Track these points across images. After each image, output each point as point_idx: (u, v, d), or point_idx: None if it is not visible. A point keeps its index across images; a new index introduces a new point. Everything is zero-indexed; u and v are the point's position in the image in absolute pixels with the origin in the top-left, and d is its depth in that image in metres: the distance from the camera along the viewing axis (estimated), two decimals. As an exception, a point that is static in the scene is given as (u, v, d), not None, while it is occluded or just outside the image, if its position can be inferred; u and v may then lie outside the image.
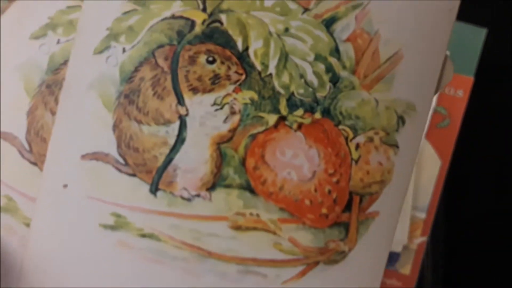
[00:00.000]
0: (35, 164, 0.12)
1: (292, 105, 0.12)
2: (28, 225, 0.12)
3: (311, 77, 0.12)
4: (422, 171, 0.33)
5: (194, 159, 0.12)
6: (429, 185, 0.33)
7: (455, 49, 0.34)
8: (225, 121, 0.12)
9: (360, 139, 0.12)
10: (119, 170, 0.12)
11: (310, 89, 0.12)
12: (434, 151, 0.33)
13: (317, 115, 0.12)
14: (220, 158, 0.12)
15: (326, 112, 0.12)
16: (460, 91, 0.34)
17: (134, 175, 0.12)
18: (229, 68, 0.12)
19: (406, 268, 0.33)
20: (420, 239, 0.33)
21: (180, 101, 0.12)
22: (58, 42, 0.12)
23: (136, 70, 0.12)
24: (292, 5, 0.12)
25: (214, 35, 0.12)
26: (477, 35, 0.34)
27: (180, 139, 0.12)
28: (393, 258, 0.33)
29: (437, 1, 0.12)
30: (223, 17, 0.12)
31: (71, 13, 0.12)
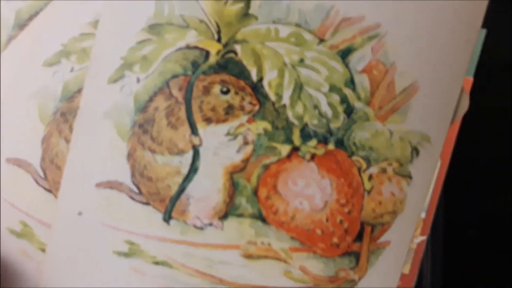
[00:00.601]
0: (49, 191, 0.12)
1: (306, 135, 0.12)
2: (43, 250, 0.12)
3: (325, 108, 0.12)
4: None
5: (207, 189, 0.12)
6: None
7: None
8: (238, 151, 0.12)
9: (373, 170, 0.12)
10: (133, 199, 0.12)
11: (324, 120, 0.12)
12: None
13: (331, 146, 0.12)
14: (233, 187, 0.12)
15: (340, 143, 0.12)
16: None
17: (147, 203, 0.12)
18: (243, 98, 0.12)
19: (406, 267, 0.32)
20: (420, 239, 0.32)
21: (194, 131, 0.12)
22: (72, 70, 0.12)
23: (151, 100, 0.12)
24: (308, 36, 0.11)
25: (229, 66, 0.12)
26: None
27: (193, 169, 0.12)
28: None
29: (455, 32, 0.12)
30: (237, 47, 0.11)
31: (85, 40, 0.12)
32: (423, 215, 0.33)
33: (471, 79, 0.33)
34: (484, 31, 0.33)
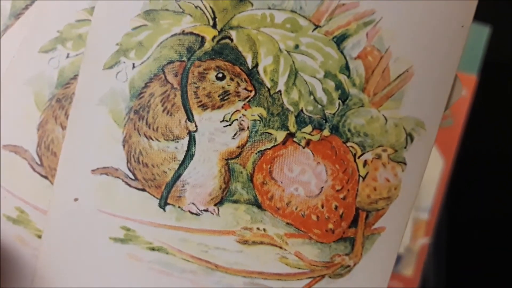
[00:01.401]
0: (46, 177, 0.12)
1: (301, 122, 0.12)
2: (39, 236, 0.12)
3: (320, 94, 0.12)
4: (425, 171, 0.33)
5: (203, 175, 0.12)
6: (432, 185, 0.33)
7: None
8: (234, 137, 0.12)
9: (368, 156, 0.12)
10: (129, 185, 0.12)
11: (319, 106, 0.12)
12: (437, 151, 0.33)
13: (326, 132, 0.12)
14: (229, 173, 0.12)
15: (335, 129, 0.12)
16: (463, 90, 0.33)
17: (143, 189, 0.12)
18: (238, 84, 0.12)
19: (409, 269, 0.32)
20: (423, 240, 0.32)
21: (190, 117, 0.12)
22: (68, 56, 0.12)
23: (146, 86, 0.12)
24: (303, 22, 0.12)
25: (224, 52, 0.12)
26: (481, 33, 0.33)
27: (189, 155, 0.12)
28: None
29: (450, 18, 0.12)
30: (233, 33, 0.11)
31: (81, 27, 0.12)
32: (426, 216, 0.32)
33: (474, 77, 0.32)
34: (487, 28, 0.32)
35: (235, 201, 0.12)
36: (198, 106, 0.12)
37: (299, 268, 0.12)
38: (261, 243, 0.12)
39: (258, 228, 0.12)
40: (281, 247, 0.12)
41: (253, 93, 0.12)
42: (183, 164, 0.12)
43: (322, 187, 0.12)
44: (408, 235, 0.32)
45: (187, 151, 0.12)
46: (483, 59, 0.33)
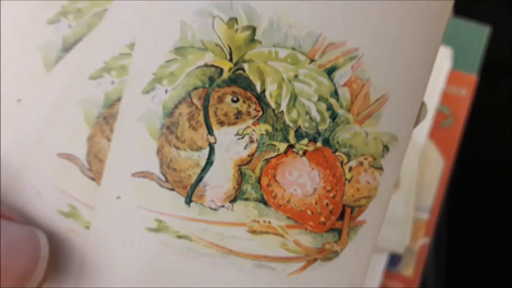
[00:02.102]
0: (93, 179, 0.15)
1: (299, 135, 0.15)
2: (88, 228, 0.15)
3: (315, 114, 0.15)
4: (425, 171, 0.33)
5: (220, 178, 0.15)
6: (432, 185, 0.33)
7: (458, 47, 0.34)
8: (245, 148, 0.15)
9: (353, 163, 0.15)
10: (161, 186, 0.15)
11: (314, 123, 0.15)
12: (438, 150, 0.33)
13: (319, 144, 0.15)
14: (241, 177, 0.15)
15: (326, 142, 0.15)
16: (463, 89, 0.33)
17: (173, 189, 0.15)
18: (249, 106, 0.14)
19: (409, 269, 0.33)
20: (423, 240, 0.33)
21: (210, 132, 0.15)
22: (113, 82, 0.14)
23: (176, 107, 0.14)
24: (301, 57, 0.14)
25: (238, 80, 0.14)
26: (481, 33, 0.33)
27: (209, 162, 0.15)
28: (395, 259, 0.33)
29: (418, 56, 0.15)
30: (245, 66, 0.14)
31: (123, 59, 0.14)
32: (426, 216, 0.33)
33: (474, 77, 0.33)
34: (487, 28, 0.33)
35: (246, 199, 0.15)
36: (217, 123, 0.14)
37: (296, 253, 0.15)
38: (267, 232, 0.15)
39: (264, 221, 0.15)
40: (282, 236, 0.15)
41: (261, 113, 0.15)
42: (205, 169, 0.15)
43: (315, 188, 0.15)
44: (408, 235, 0.32)
45: (208, 159, 0.15)
46: (483, 59, 0.33)
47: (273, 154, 0.15)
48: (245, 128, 0.14)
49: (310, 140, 0.15)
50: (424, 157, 0.33)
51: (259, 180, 0.15)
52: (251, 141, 0.15)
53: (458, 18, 0.34)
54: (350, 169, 0.15)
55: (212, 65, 0.14)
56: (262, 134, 0.15)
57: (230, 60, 0.14)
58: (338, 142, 0.15)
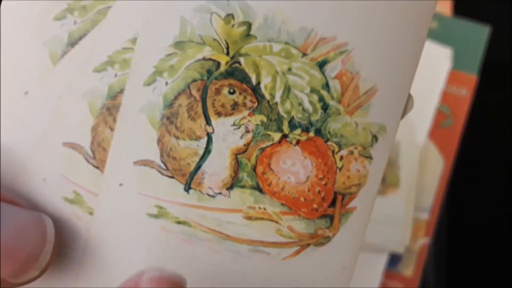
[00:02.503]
0: (97, 167, 0.15)
1: (293, 126, 0.16)
2: (91, 213, 0.15)
3: (307, 105, 0.16)
4: (425, 171, 0.33)
5: (218, 166, 0.15)
6: (432, 185, 0.33)
7: (458, 47, 0.34)
8: (241, 137, 0.16)
9: (343, 152, 0.16)
10: (162, 173, 0.15)
11: (306, 114, 0.16)
12: (437, 150, 0.33)
13: (311, 134, 0.16)
14: (237, 165, 0.16)
15: (318, 132, 0.16)
16: (463, 89, 0.33)
17: (172, 177, 0.15)
18: (245, 97, 0.15)
19: (409, 269, 0.32)
20: (423, 240, 0.32)
21: (208, 122, 0.15)
22: (116, 75, 0.15)
23: (176, 98, 0.15)
24: (294, 51, 0.15)
25: (235, 73, 0.15)
26: (481, 33, 0.33)
27: (207, 151, 0.15)
28: (395, 259, 0.32)
29: (405, 49, 0.16)
30: (241, 59, 0.15)
31: (126, 53, 0.15)
32: (426, 216, 0.33)
33: (474, 77, 0.33)
34: (487, 28, 0.32)
35: (242, 186, 0.16)
36: (215, 114, 0.15)
37: (290, 238, 0.16)
38: (262, 218, 0.16)
39: (259, 207, 0.16)
40: (277, 222, 0.16)
41: (256, 104, 0.15)
42: (203, 158, 0.15)
43: (308, 176, 0.16)
44: (408, 235, 0.31)
45: (206, 148, 0.15)
46: (483, 59, 0.32)
47: (268, 144, 0.15)
48: (241, 119, 0.15)
49: (303, 130, 0.15)
50: (424, 157, 0.33)
51: (254, 168, 0.15)
52: (247, 131, 0.15)
53: (458, 18, 0.34)
54: (341, 158, 0.16)
55: (210, 59, 0.15)
56: (257, 124, 0.15)
57: (227, 54, 0.15)
58: (329, 132, 0.16)
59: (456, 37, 0.34)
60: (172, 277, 0.12)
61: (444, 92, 0.33)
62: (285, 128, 0.15)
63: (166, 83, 0.15)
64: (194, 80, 0.15)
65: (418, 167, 0.32)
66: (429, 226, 0.32)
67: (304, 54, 0.15)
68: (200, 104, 0.15)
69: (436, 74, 0.33)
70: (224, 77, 0.15)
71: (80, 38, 0.15)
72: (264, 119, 0.15)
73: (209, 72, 0.15)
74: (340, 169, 0.16)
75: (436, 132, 0.33)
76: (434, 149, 0.33)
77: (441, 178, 0.32)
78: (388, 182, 0.32)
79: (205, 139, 0.15)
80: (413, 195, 0.32)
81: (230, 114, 0.15)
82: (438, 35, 0.34)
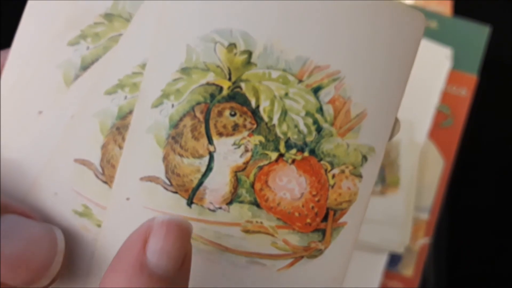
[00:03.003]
0: (106, 183, 0.16)
1: (289, 146, 0.17)
2: (99, 226, 0.16)
3: (302, 127, 0.17)
4: (425, 171, 0.32)
5: (218, 182, 0.17)
6: (432, 185, 0.32)
7: (458, 47, 0.34)
8: (241, 156, 0.17)
9: (336, 171, 0.17)
10: (166, 189, 0.16)
11: (302, 136, 0.17)
12: (438, 150, 0.33)
13: (306, 154, 0.17)
14: (237, 182, 0.17)
15: (312, 152, 0.17)
16: (464, 89, 0.33)
17: (176, 192, 0.16)
18: (245, 119, 0.16)
19: (409, 269, 0.32)
20: (423, 240, 0.32)
21: (210, 141, 0.16)
22: (126, 98, 0.16)
23: (181, 119, 0.16)
24: (291, 78, 0.16)
25: (236, 97, 0.16)
26: (481, 33, 0.33)
27: (209, 168, 0.17)
28: (395, 259, 0.32)
29: (392, 79, 0.17)
30: (242, 84, 0.16)
31: (135, 77, 0.16)
32: (426, 216, 0.32)
33: (474, 77, 0.33)
34: (488, 28, 0.32)
35: (241, 202, 0.17)
36: (217, 134, 0.16)
37: (285, 251, 0.17)
38: (259, 232, 0.17)
39: (256, 221, 0.17)
40: (273, 235, 0.17)
41: (255, 125, 0.17)
42: (205, 175, 0.16)
43: (302, 193, 0.17)
44: (408, 235, 0.31)
45: (208, 165, 0.16)
46: (483, 59, 0.32)
47: (266, 162, 0.17)
48: (241, 139, 0.16)
49: (298, 150, 0.17)
50: (424, 157, 0.33)
51: (253, 185, 0.17)
52: (246, 150, 0.16)
53: (458, 18, 0.34)
54: (333, 176, 0.17)
55: (213, 84, 0.16)
56: (256, 144, 0.17)
57: (229, 79, 0.16)
58: (322, 152, 0.17)
59: (456, 37, 0.34)
60: (180, 221, 0.14)
61: (444, 92, 0.33)
62: (282, 148, 0.17)
63: (172, 106, 0.16)
64: (198, 103, 0.16)
65: (418, 167, 0.32)
66: (429, 226, 0.32)
67: (300, 81, 0.16)
68: (203, 125, 0.16)
69: (436, 74, 0.33)
70: (226, 101, 0.16)
71: (93, 62, 0.17)
72: (263, 139, 0.16)
73: (212, 96, 0.16)
74: (332, 186, 0.17)
75: (436, 132, 0.32)
76: (434, 149, 0.33)
77: (441, 178, 0.32)
78: (388, 182, 0.32)
79: (207, 157, 0.16)
80: (413, 195, 0.32)
81: (231, 135, 0.16)
82: (438, 35, 0.34)
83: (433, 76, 0.33)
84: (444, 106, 0.33)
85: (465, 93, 0.33)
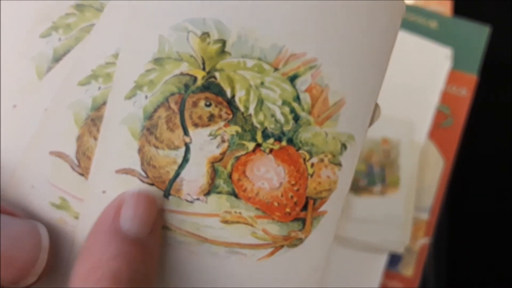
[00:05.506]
0: (82, 175, 0.16)
1: (266, 136, 0.17)
2: (77, 218, 0.16)
3: (279, 116, 0.17)
4: (425, 171, 0.33)
5: (195, 173, 0.16)
6: (432, 185, 0.33)
7: (458, 47, 0.34)
8: (217, 147, 0.17)
9: (314, 160, 0.17)
10: (142, 181, 0.16)
11: (279, 125, 0.17)
12: (438, 150, 0.33)
13: (284, 143, 0.17)
14: (214, 173, 0.17)
15: (290, 141, 0.17)
16: (464, 89, 0.33)
17: (153, 184, 0.16)
18: (221, 110, 0.16)
19: (409, 269, 0.32)
20: (423, 240, 0.32)
21: (186, 133, 0.16)
22: (99, 88, 0.16)
23: (155, 111, 0.16)
24: (266, 66, 0.16)
25: (211, 87, 0.16)
26: (481, 33, 0.33)
27: (185, 160, 0.16)
28: (395, 259, 0.32)
29: (371, 65, 0.16)
30: (217, 74, 0.16)
31: (109, 68, 0.16)
32: (426, 216, 0.33)
33: (474, 77, 0.33)
34: (487, 28, 0.32)
35: (219, 192, 0.17)
36: (192, 125, 0.16)
37: (265, 240, 0.17)
38: (238, 222, 0.17)
39: (235, 212, 0.17)
40: (252, 225, 0.17)
41: (231, 116, 0.16)
42: (181, 166, 0.16)
43: (281, 182, 0.17)
44: (408, 235, 0.31)
45: (184, 157, 0.16)
46: (483, 59, 0.32)
47: (243, 152, 0.16)
48: (217, 129, 0.16)
49: (275, 140, 0.16)
50: (424, 157, 0.33)
51: (230, 176, 0.16)
52: (223, 141, 0.16)
53: (458, 18, 0.34)
54: (312, 165, 0.17)
55: (187, 74, 0.16)
56: (232, 135, 0.16)
57: (203, 69, 0.16)
58: (300, 141, 0.17)
59: (456, 37, 0.34)
60: (148, 192, 0.16)
61: (444, 92, 0.33)
62: (259, 138, 0.16)
63: (146, 97, 0.16)
64: (172, 94, 0.16)
65: (418, 167, 0.32)
66: (429, 226, 0.32)
67: (276, 69, 0.16)
68: (178, 116, 0.16)
69: (436, 74, 0.33)
70: (201, 91, 0.16)
71: (65, 54, 0.16)
72: (239, 129, 0.16)
73: (187, 86, 0.16)
74: (311, 175, 0.17)
75: (436, 132, 0.33)
76: (434, 149, 0.33)
77: (441, 178, 0.32)
78: (388, 182, 0.32)
79: (183, 149, 0.16)
80: (413, 195, 0.32)
81: (207, 125, 0.16)
82: (438, 35, 0.34)
83: (433, 76, 0.34)
84: (444, 106, 0.33)
85: (465, 93, 0.33)
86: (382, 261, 0.33)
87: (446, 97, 0.33)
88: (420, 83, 0.33)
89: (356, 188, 0.32)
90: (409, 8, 0.34)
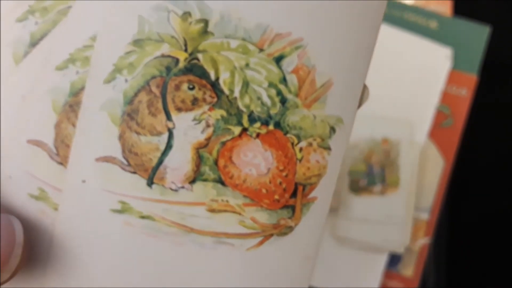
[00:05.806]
0: (61, 164, 0.16)
1: (252, 119, 0.16)
2: (56, 209, 0.16)
3: (266, 99, 0.16)
4: (425, 171, 0.33)
5: (180, 160, 0.16)
6: (432, 185, 0.33)
7: (458, 47, 0.35)
8: (202, 132, 0.16)
9: (303, 144, 0.16)
10: (124, 169, 0.16)
11: (265, 108, 0.16)
12: (438, 150, 0.33)
13: (271, 127, 0.16)
14: (199, 159, 0.16)
15: (277, 125, 0.16)
16: (464, 89, 0.33)
17: (135, 172, 0.16)
18: (204, 93, 0.16)
19: (409, 269, 0.32)
20: (423, 240, 0.32)
21: (169, 117, 0.16)
22: (77, 73, 0.15)
23: (136, 95, 0.15)
24: (251, 47, 0.16)
25: (193, 69, 0.16)
26: (481, 33, 0.33)
27: (168, 146, 0.16)
28: (395, 259, 0.32)
29: (358, 44, 0.16)
30: (200, 55, 0.16)
31: (87, 51, 0.15)
32: (426, 216, 0.33)
33: (474, 77, 0.33)
34: (487, 28, 0.33)
35: (204, 180, 0.16)
36: (175, 109, 0.16)
37: (254, 229, 0.16)
38: (225, 211, 0.16)
39: (222, 200, 0.16)
40: (240, 214, 0.16)
41: (215, 99, 0.16)
42: (165, 153, 0.16)
43: (269, 168, 0.16)
44: (408, 235, 0.31)
45: (167, 143, 0.16)
46: (483, 59, 0.32)
47: (229, 137, 0.16)
48: (202, 114, 0.16)
49: (262, 124, 0.16)
50: (424, 157, 0.33)
51: (216, 162, 0.16)
52: (208, 126, 0.16)
53: (458, 18, 0.34)
54: (301, 149, 0.16)
55: (169, 56, 0.15)
56: (217, 119, 0.16)
57: (185, 50, 0.15)
58: (288, 125, 0.16)
59: (456, 37, 0.34)
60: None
61: (444, 92, 0.33)
62: (245, 122, 0.16)
63: (126, 80, 0.15)
64: (154, 77, 0.15)
65: (418, 167, 0.32)
66: (429, 226, 0.32)
67: (261, 50, 0.16)
68: (160, 100, 0.15)
69: (436, 74, 0.34)
70: (183, 73, 0.15)
71: (42, 38, 0.16)
72: (224, 113, 0.16)
73: (168, 69, 0.15)
74: (300, 160, 0.16)
75: (436, 132, 0.33)
76: (434, 149, 0.33)
77: (441, 178, 0.32)
78: (388, 182, 0.32)
79: (166, 135, 0.16)
80: (413, 195, 0.32)
81: (191, 109, 0.16)
82: (438, 35, 0.34)
83: (433, 76, 0.34)
84: (444, 106, 0.33)
85: (465, 93, 0.33)
86: (382, 261, 0.33)
87: (446, 97, 0.33)
88: (420, 83, 0.33)
89: (356, 188, 0.32)
90: (409, 8, 0.35)
